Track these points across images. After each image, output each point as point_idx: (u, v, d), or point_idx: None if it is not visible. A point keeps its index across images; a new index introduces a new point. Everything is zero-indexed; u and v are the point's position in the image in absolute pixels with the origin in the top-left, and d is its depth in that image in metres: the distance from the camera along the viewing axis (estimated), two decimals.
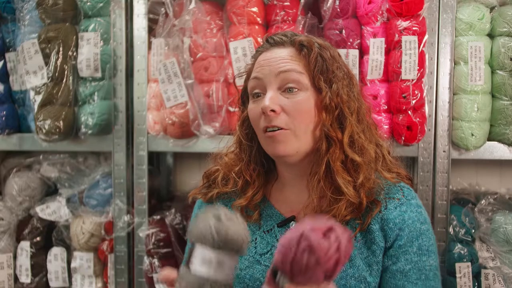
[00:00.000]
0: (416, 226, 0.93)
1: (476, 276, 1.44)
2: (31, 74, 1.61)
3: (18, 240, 1.75)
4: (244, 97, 1.03)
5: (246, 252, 0.81)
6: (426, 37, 1.41)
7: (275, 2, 1.49)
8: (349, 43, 1.44)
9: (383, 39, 1.43)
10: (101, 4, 1.58)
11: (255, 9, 1.48)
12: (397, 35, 1.39)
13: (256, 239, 1.00)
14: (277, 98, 0.91)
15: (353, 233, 0.93)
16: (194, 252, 0.72)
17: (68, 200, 1.71)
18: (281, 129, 0.90)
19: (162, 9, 1.56)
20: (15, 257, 1.75)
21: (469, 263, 1.41)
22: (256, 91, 0.95)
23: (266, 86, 0.93)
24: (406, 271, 0.91)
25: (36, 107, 1.59)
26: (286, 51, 0.94)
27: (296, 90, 0.92)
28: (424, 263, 0.91)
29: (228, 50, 1.51)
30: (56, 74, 1.57)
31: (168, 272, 0.74)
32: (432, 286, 0.92)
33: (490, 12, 1.45)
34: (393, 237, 0.92)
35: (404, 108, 1.41)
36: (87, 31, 1.58)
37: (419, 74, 1.40)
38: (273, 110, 0.90)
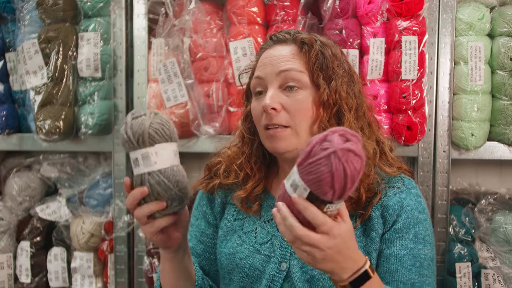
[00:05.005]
0: (414, 213, 0.93)
1: (476, 276, 1.44)
2: (31, 74, 1.61)
3: (18, 240, 1.75)
4: (248, 92, 1.05)
5: (175, 138, 0.84)
6: (426, 37, 1.41)
7: (275, 2, 1.49)
8: (349, 43, 1.44)
9: (383, 39, 1.43)
10: (101, 4, 1.58)
11: (255, 9, 1.48)
12: (397, 35, 1.39)
13: (256, 228, 1.01)
14: (278, 96, 0.92)
15: (354, 223, 0.93)
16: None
17: (68, 200, 1.72)
18: (282, 126, 0.92)
19: (162, 9, 1.56)
20: (15, 257, 1.75)
21: (469, 263, 1.41)
22: (258, 89, 0.97)
23: (268, 85, 0.94)
24: (400, 256, 0.91)
25: (36, 107, 1.59)
26: (288, 49, 0.96)
27: (297, 88, 0.93)
28: (420, 251, 0.92)
29: (228, 50, 1.51)
30: (56, 74, 1.57)
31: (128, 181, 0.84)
32: (426, 275, 0.91)
33: (490, 12, 1.45)
34: (391, 222, 0.93)
35: (404, 108, 1.41)
36: (87, 31, 1.58)
37: (419, 74, 1.40)
38: (273, 108, 0.91)
